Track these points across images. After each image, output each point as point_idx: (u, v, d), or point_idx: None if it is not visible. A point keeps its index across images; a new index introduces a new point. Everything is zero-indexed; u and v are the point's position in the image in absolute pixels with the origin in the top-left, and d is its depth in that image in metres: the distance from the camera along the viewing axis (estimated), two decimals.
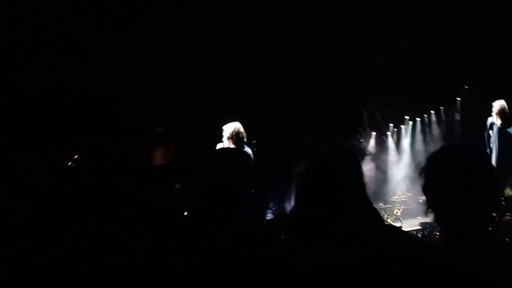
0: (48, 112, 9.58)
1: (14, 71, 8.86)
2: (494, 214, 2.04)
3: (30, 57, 9.02)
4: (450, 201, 2.01)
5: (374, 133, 16.41)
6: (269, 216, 14.66)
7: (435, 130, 16.58)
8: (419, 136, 16.81)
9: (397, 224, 15.37)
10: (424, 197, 2.11)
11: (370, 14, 12.05)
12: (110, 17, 9.73)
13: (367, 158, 16.16)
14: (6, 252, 2.39)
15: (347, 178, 2.36)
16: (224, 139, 9.79)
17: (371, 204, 2.41)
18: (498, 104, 13.14)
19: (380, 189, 16.20)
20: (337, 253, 2.16)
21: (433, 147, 16.06)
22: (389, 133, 16.73)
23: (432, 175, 2.08)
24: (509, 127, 14.22)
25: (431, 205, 2.06)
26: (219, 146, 9.83)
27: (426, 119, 16.67)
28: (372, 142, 16.47)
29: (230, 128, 9.67)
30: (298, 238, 2.31)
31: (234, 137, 9.54)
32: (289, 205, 14.26)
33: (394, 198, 16.29)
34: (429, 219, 2.08)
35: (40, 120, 9.39)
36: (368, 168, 16.11)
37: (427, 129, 16.68)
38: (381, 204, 15.72)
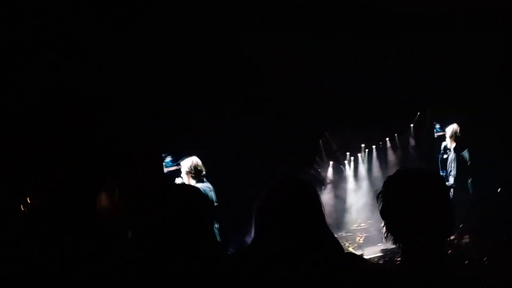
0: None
1: None
2: (451, 236, 2.05)
3: None
4: (407, 224, 2.02)
5: (331, 162, 16.50)
6: (231, 250, 14.48)
7: (391, 156, 16.79)
8: (376, 163, 16.98)
9: (359, 252, 15.42)
10: (383, 222, 2.11)
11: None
12: None
13: (326, 187, 16.23)
14: None
15: (305, 208, 2.34)
16: (183, 174, 9.72)
17: (331, 233, 2.39)
18: (451, 129, 13.42)
19: (340, 218, 16.23)
20: (299, 285, 2.13)
21: (389, 173, 16.28)
22: (346, 162, 16.85)
23: (388, 199, 2.08)
24: (462, 150, 14.52)
25: (389, 229, 2.06)
26: (177, 181, 9.76)
27: (382, 146, 16.87)
28: (330, 171, 16.55)
29: (187, 163, 9.63)
30: (260, 271, 2.29)
31: (192, 171, 9.50)
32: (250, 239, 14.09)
33: (355, 226, 16.35)
34: (389, 245, 2.07)
35: None
36: (327, 197, 16.18)
37: (383, 156, 16.88)
38: (343, 233, 15.76)
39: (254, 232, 2.44)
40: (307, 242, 2.28)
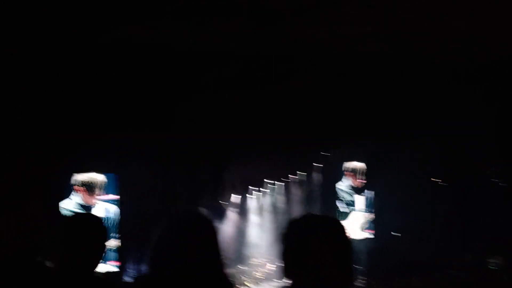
0: None
1: None
2: (350, 282, 2.02)
3: None
4: (307, 269, 1.98)
5: (233, 195, 16.47)
6: (127, 278, 14.16)
7: (296, 192, 16.96)
8: (279, 198, 17.11)
9: (256, 287, 15.45)
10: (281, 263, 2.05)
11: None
12: None
13: (228, 219, 16.16)
14: None
15: (200, 244, 2.26)
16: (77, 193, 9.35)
17: (224, 274, 2.32)
18: (349, 165, 13.79)
19: (240, 251, 16.21)
20: None
21: (293, 211, 16.45)
22: (248, 195, 16.87)
23: (291, 242, 2.01)
24: (361, 189, 14.88)
25: (287, 271, 2.00)
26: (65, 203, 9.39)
27: (286, 182, 17.03)
28: (232, 204, 16.51)
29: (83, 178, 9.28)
30: None
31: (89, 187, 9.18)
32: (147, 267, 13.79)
33: (254, 260, 16.35)
34: (286, 283, 2.02)
35: None
36: (228, 230, 16.11)
37: (288, 192, 17.04)
38: (241, 267, 15.72)
39: (149, 266, 2.34)
40: (197, 279, 2.18)
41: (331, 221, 2.02)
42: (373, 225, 16.03)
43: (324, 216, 2.06)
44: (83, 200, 10.53)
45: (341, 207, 16.50)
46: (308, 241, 1.93)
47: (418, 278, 14.11)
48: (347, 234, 2.04)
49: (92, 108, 11.55)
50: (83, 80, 11.00)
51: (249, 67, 12.25)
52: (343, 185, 15.90)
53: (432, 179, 15.77)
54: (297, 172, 16.72)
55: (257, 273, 15.82)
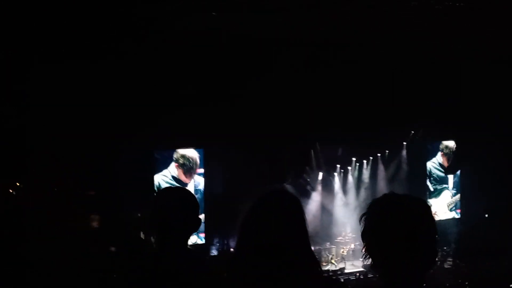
0: None
1: None
2: (431, 265, 2.02)
3: None
4: (387, 251, 1.99)
5: (321, 173, 16.48)
6: (214, 252, 14.51)
7: (381, 172, 16.79)
8: (365, 177, 17.00)
9: (341, 265, 15.46)
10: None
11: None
12: None
13: (314, 198, 16.22)
14: None
15: (288, 222, 2.31)
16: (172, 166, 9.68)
17: (311, 251, 2.37)
18: (444, 144, 13.46)
19: (326, 230, 16.24)
20: None
21: (377, 190, 16.30)
22: (335, 174, 16.84)
23: (371, 223, 2.04)
24: (452, 171, 14.54)
25: (368, 252, 2.03)
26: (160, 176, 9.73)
27: (373, 161, 16.88)
28: (319, 182, 16.55)
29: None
30: (238, 279, 2.27)
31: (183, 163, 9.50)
32: (233, 242, 14.14)
33: (339, 238, 16.33)
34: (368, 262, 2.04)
35: None
36: (314, 208, 16.17)
37: (373, 171, 16.89)
38: (327, 245, 15.72)
39: (237, 240, 2.42)
40: (286, 258, 2.24)
41: (414, 201, 2.01)
42: (460, 205, 15.68)
43: (406, 195, 2.06)
44: (177, 175, 10.86)
45: (432, 186, 16.22)
46: (388, 221, 1.94)
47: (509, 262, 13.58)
48: (431, 214, 2.02)
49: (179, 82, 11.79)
50: (170, 58, 11.23)
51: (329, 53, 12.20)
52: (435, 164, 15.65)
53: None
54: (385, 151, 16.53)
55: (342, 251, 15.84)
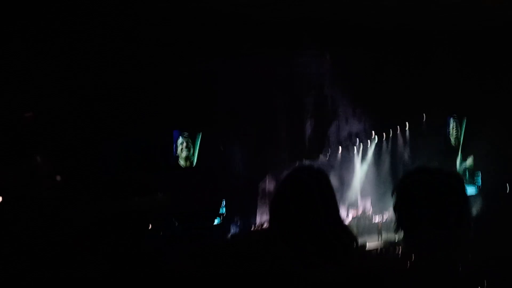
0: None
1: None
2: (463, 238, 2.02)
3: None
4: (419, 223, 1.99)
5: (340, 148, 16.46)
6: (234, 229, 14.56)
7: (401, 145, 16.66)
8: (385, 151, 16.93)
9: (376, 237, 15.46)
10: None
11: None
12: None
13: (336, 172, 16.18)
14: None
15: (320, 197, 2.31)
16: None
17: (345, 225, 2.36)
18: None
19: (350, 203, 16.35)
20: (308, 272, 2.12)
21: (398, 162, 16.24)
22: (357, 148, 16.83)
23: (404, 196, 2.04)
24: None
25: (400, 224, 2.03)
26: None
27: (392, 135, 16.78)
28: (339, 157, 16.53)
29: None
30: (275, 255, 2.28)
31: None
32: (254, 219, 14.22)
33: (363, 212, 16.36)
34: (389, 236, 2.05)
35: None
36: (334, 183, 16.14)
37: (394, 144, 16.82)
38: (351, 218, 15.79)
39: (270, 218, 2.42)
40: (321, 232, 2.25)
41: (448, 175, 2.00)
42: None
43: (439, 169, 2.04)
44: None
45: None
46: (418, 194, 1.94)
47: None
48: (463, 187, 2.00)
49: None
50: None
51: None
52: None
53: None
54: (405, 123, 16.39)
55: (380, 224, 15.85)
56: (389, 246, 14.27)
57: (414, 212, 2.01)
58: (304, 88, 14.00)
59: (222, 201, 9.66)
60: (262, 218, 14.00)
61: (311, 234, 2.16)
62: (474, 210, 13.51)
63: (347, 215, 15.94)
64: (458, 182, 2.04)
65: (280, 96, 13.37)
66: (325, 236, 2.17)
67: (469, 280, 2.11)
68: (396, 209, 2.07)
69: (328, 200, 2.27)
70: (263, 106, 13.09)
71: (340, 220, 2.27)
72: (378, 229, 15.62)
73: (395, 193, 2.06)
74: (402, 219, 2.05)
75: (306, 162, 12.10)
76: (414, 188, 2.03)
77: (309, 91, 14.30)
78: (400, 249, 12.09)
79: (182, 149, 12.67)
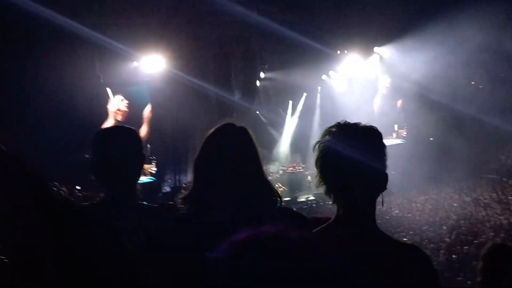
0: None
1: None
2: (382, 188, 2.05)
3: None
4: (339, 177, 2.02)
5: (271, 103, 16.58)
6: (166, 188, 14.48)
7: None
8: (311, 110, 17.17)
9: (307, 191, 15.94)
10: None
11: None
12: None
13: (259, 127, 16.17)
14: None
15: (242, 153, 2.32)
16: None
17: (267, 179, 2.39)
18: None
19: (272, 157, 16.53)
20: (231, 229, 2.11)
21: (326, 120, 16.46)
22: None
23: (324, 150, 2.04)
24: None
25: (322, 178, 2.04)
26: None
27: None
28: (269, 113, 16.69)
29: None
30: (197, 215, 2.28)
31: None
32: (185, 178, 14.18)
33: (290, 169, 16.56)
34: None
35: None
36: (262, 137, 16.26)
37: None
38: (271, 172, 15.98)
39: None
40: (242, 189, 2.26)
41: (364, 127, 2.03)
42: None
43: (360, 124, 2.06)
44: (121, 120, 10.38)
45: None
46: (342, 149, 1.96)
47: None
48: (381, 139, 2.04)
49: None
50: None
51: None
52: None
53: None
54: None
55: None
56: (319, 200, 14.61)
57: (333, 168, 2.03)
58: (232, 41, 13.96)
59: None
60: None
61: (232, 190, 2.19)
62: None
63: (277, 171, 16.19)
64: (376, 134, 2.07)
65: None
66: (245, 190, 2.20)
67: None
68: (316, 163, 2.08)
69: (248, 154, 2.30)
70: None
71: (261, 175, 2.30)
72: (309, 184, 15.92)
73: (316, 148, 2.07)
74: (322, 173, 2.06)
75: (232, 120, 12.02)
76: (333, 144, 2.04)
77: (238, 44, 14.30)
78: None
79: None
